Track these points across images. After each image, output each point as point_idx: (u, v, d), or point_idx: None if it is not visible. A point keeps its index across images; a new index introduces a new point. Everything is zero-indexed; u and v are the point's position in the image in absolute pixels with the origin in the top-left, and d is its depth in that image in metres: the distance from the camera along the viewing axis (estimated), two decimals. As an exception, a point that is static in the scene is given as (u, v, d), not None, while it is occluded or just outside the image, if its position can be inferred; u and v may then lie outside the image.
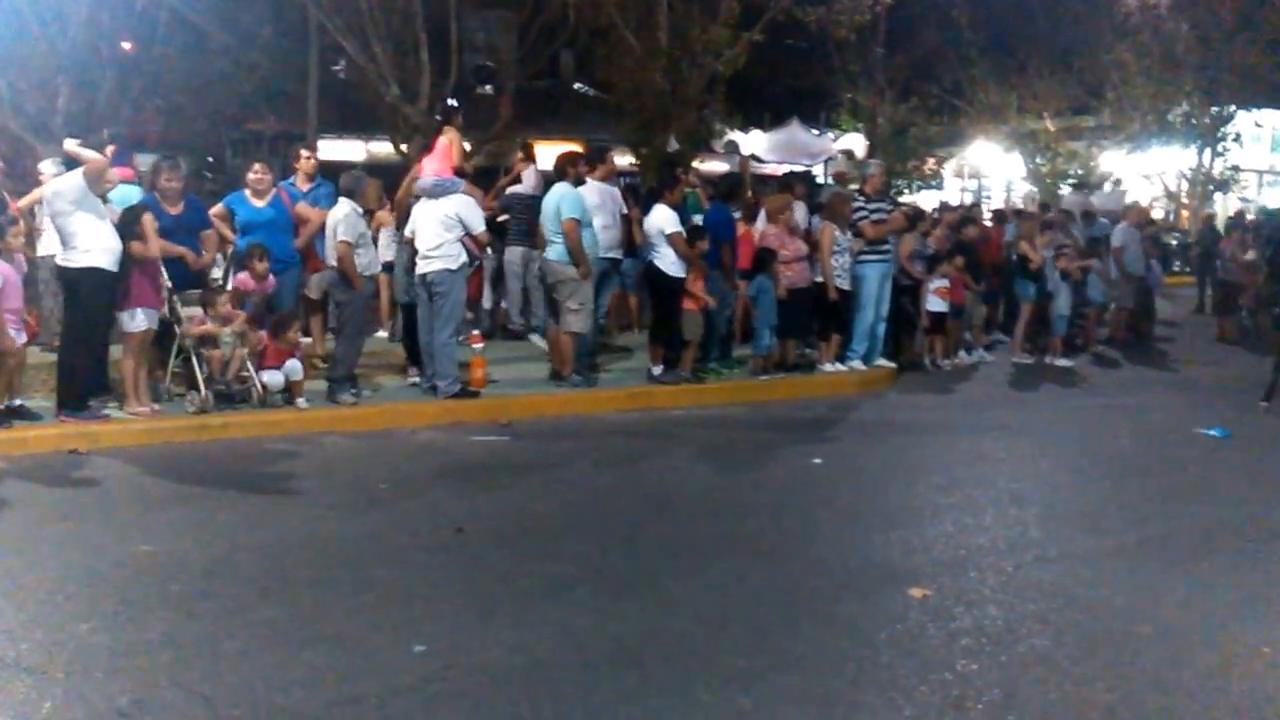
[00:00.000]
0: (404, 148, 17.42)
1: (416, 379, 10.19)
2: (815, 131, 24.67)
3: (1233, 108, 22.95)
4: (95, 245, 8.35)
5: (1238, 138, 23.48)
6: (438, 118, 9.92)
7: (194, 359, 8.94)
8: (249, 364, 9.12)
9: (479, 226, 9.95)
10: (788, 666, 4.73)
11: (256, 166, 10.37)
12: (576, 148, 11.91)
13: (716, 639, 5.01)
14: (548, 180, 11.45)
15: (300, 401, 9.25)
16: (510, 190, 13.16)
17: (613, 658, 4.79)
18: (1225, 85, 22.30)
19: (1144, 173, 23.96)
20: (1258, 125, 24.44)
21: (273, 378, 9.13)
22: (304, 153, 11.17)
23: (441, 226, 9.63)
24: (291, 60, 20.02)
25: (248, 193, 10.19)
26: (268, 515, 6.80)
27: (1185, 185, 24.03)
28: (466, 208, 9.82)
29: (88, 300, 8.45)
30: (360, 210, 9.51)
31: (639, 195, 13.58)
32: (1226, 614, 5.53)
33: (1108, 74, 22.98)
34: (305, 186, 10.75)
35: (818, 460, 8.55)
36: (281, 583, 5.57)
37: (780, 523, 6.89)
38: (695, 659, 4.78)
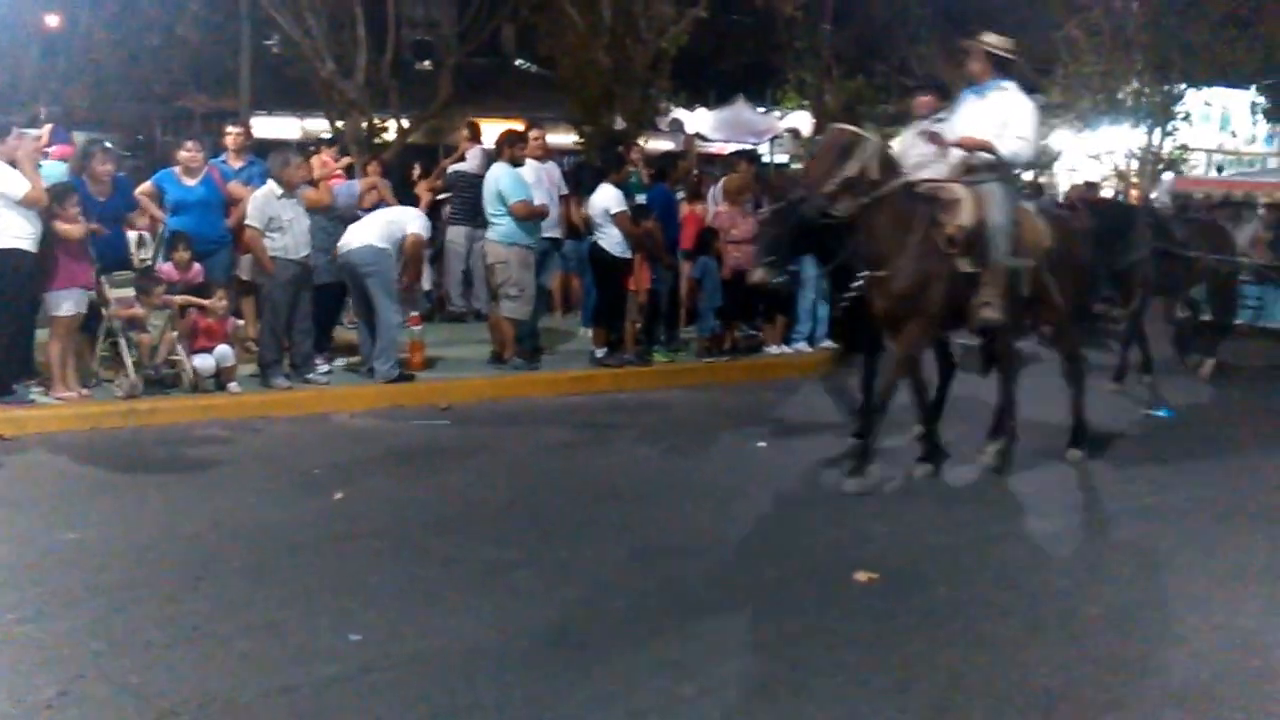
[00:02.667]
0: (339, 124, 17.13)
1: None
2: (761, 109, 24.53)
3: (1183, 86, 23.07)
4: (14, 228, 8.09)
5: (1187, 116, 23.71)
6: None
7: (122, 342, 8.70)
8: (179, 348, 8.89)
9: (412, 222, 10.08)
10: (731, 652, 4.68)
11: (189, 144, 10.06)
12: (517, 127, 11.69)
13: (659, 624, 4.94)
14: (491, 159, 11.27)
15: (232, 386, 9.03)
16: (453, 169, 12.95)
17: (554, 644, 4.71)
18: (1176, 63, 22.40)
19: (1092, 152, 24.09)
20: (1207, 104, 24.62)
21: (203, 362, 8.90)
22: (231, 129, 10.85)
23: (381, 228, 9.70)
24: (223, 35, 19.61)
25: (178, 170, 9.89)
26: (199, 502, 6.61)
27: (1135, 164, 24.24)
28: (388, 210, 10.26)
29: (8, 282, 8.19)
30: (279, 192, 9.22)
31: (587, 175, 13.34)
32: (1172, 595, 5.56)
33: (1058, 51, 22.99)
34: (237, 164, 10.46)
35: (762, 444, 8.49)
36: (213, 571, 5.42)
37: (724, 507, 6.82)
38: (637, 644, 4.71)
